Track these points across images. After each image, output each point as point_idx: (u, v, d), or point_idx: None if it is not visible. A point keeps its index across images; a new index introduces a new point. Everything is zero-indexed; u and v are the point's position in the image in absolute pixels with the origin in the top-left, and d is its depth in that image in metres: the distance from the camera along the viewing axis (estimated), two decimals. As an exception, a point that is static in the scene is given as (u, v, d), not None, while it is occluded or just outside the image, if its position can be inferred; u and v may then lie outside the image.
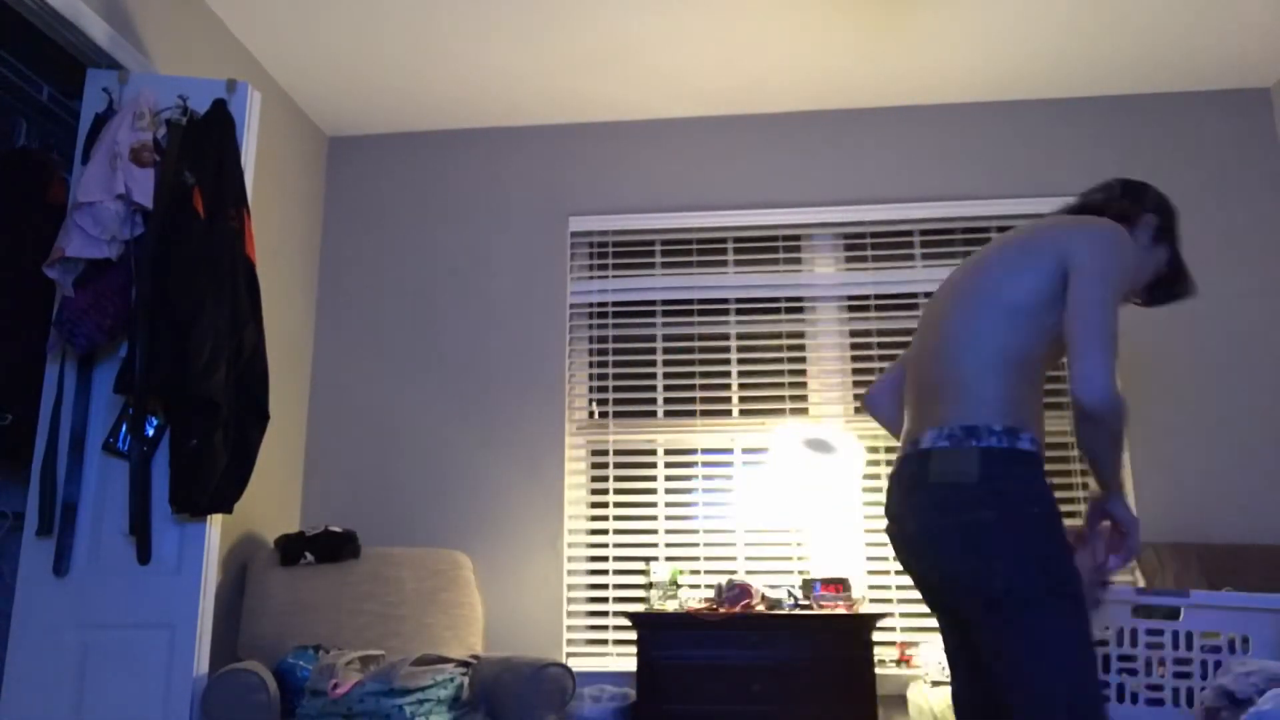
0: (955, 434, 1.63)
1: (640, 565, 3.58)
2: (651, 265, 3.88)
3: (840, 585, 3.12)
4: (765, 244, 3.86)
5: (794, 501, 3.45)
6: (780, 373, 3.73)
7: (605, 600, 3.61)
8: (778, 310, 3.79)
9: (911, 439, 1.75)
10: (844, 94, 3.78)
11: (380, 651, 2.88)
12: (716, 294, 3.82)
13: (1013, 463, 1.60)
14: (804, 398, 3.71)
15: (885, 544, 3.53)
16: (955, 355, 1.71)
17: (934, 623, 3.45)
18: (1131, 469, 3.46)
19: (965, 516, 1.60)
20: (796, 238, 3.85)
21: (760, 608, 3.06)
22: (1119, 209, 1.89)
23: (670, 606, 3.18)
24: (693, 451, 3.71)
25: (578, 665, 3.44)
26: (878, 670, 3.06)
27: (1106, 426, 1.59)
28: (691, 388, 3.76)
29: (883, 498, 3.55)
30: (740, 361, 3.77)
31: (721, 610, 3.00)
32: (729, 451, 3.69)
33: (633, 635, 3.42)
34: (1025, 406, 1.65)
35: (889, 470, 3.58)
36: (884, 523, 3.45)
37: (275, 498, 3.55)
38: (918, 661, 3.28)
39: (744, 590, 3.10)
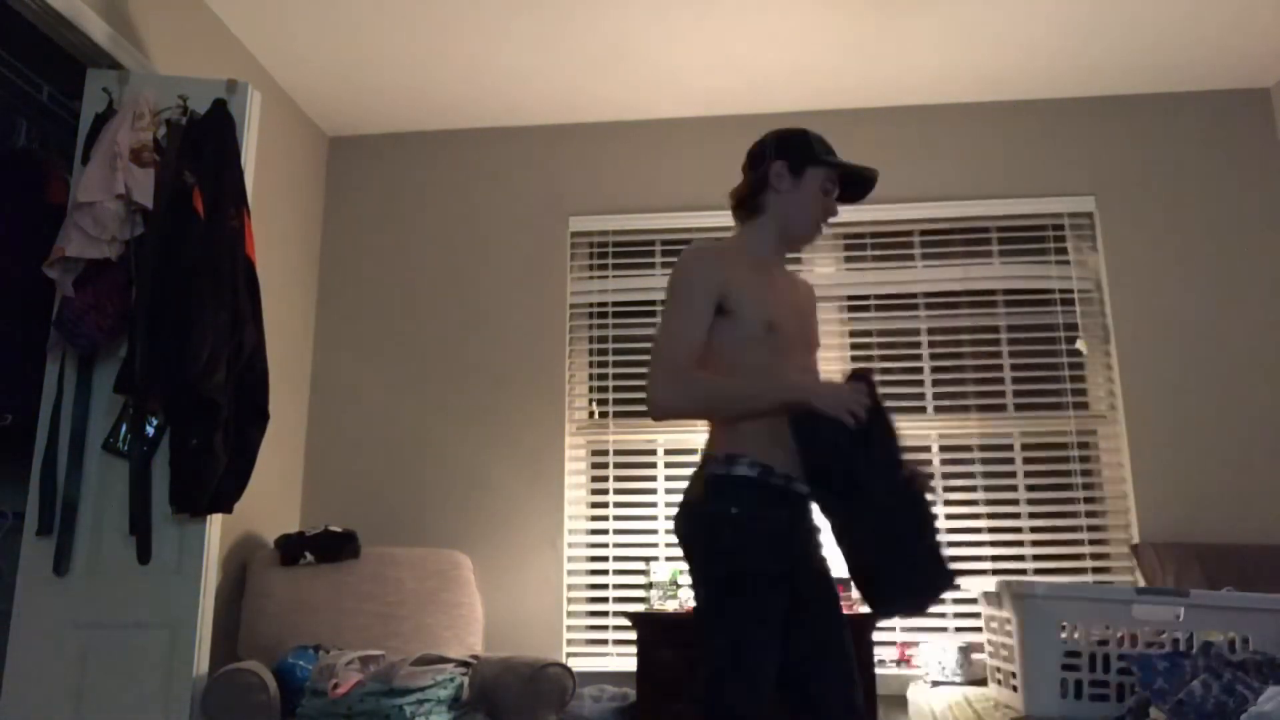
0: (700, 463, 1.97)
1: (640, 565, 3.58)
2: (651, 265, 3.88)
3: (840, 585, 3.11)
4: (765, 244, 3.85)
5: (794, 501, 3.44)
6: (780, 373, 3.73)
7: (605, 600, 3.61)
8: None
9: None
10: (843, 94, 3.78)
11: (380, 651, 2.88)
12: (716, 294, 3.82)
13: (722, 486, 1.89)
14: (804, 398, 3.70)
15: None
16: None
17: (934, 623, 3.45)
18: (1131, 469, 3.46)
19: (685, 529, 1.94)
20: (796, 238, 3.85)
21: (760, 608, 3.05)
22: (747, 187, 2.08)
23: (670, 606, 3.18)
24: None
25: (578, 665, 3.44)
26: (878, 670, 3.06)
27: (696, 408, 1.92)
28: (691, 388, 3.76)
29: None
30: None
31: (721, 610, 3.00)
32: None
33: (633, 635, 3.42)
34: (727, 434, 1.93)
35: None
36: None
37: (275, 498, 3.55)
38: (918, 661, 3.28)
39: (744, 590, 3.09)
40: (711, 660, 1.79)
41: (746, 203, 2.09)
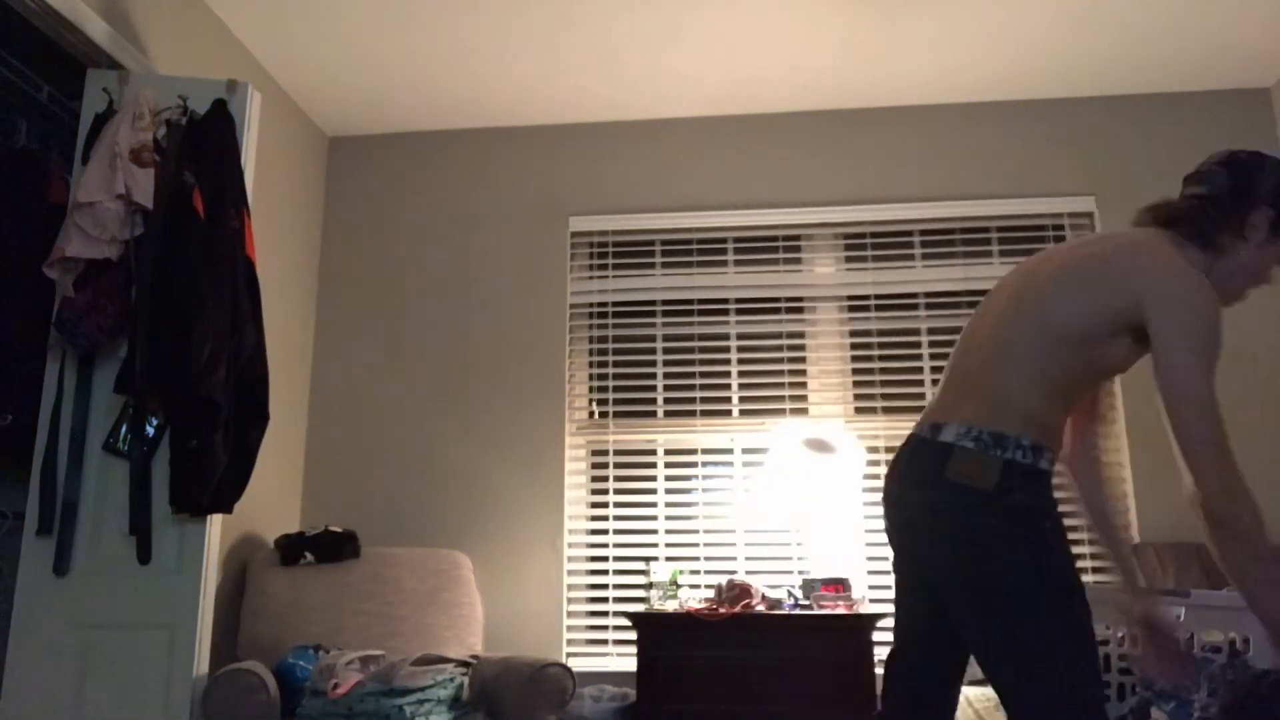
0: (983, 438, 1.61)
1: (640, 565, 3.58)
2: (651, 265, 3.88)
3: (840, 585, 3.12)
4: (765, 244, 3.86)
5: (794, 501, 3.45)
6: (780, 373, 3.73)
7: (605, 600, 3.61)
8: (778, 310, 3.79)
9: (931, 425, 1.70)
10: (843, 94, 3.78)
11: (380, 651, 2.88)
12: (716, 294, 3.82)
13: (1030, 478, 1.60)
14: (804, 398, 3.71)
15: (885, 544, 3.53)
16: (995, 362, 1.67)
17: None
18: (1131, 469, 3.45)
19: (974, 519, 1.59)
20: (796, 238, 3.85)
21: (760, 608, 3.06)
22: (1215, 219, 1.69)
23: (670, 606, 3.18)
24: (693, 451, 3.71)
25: (578, 665, 3.44)
26: (878, 670, 3.06)
27: (1235, 534, 1.51)
28: (691, 388, 3.76)
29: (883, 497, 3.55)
30: (740, 361, 3.76)
31: (721, 610, 3.00)
32: (729, 451, 3.69)
33: (633, 635, 3.42)
34: (1053, 427, 1.64)
35: (878, 469, 3.59)
36: (881, 522, 3.45)
37: (275, 498, 3.55)
38: (918, 661, 3.28)
39: (744, 590, 3.10)
40: (1053, 699, 1.51)
41: (1198, 230, 1.70)
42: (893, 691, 1.80)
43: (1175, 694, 2.04)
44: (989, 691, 2.76)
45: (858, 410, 3.68)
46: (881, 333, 3.73)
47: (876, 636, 2.98)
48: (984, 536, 1.58)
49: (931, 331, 3.72)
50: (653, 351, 3.81)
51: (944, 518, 1.62)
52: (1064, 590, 1.57)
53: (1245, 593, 1.53)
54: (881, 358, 3.71)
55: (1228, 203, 1.69)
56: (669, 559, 3.59)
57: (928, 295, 3.75)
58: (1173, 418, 1.53)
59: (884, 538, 3.51)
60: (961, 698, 2.78)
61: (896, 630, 1.83)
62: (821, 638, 2.93)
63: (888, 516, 1.80)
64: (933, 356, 3.69)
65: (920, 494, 1.67)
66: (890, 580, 3.51)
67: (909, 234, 3.80)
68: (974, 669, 3.09)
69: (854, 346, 3.74)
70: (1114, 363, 1.66)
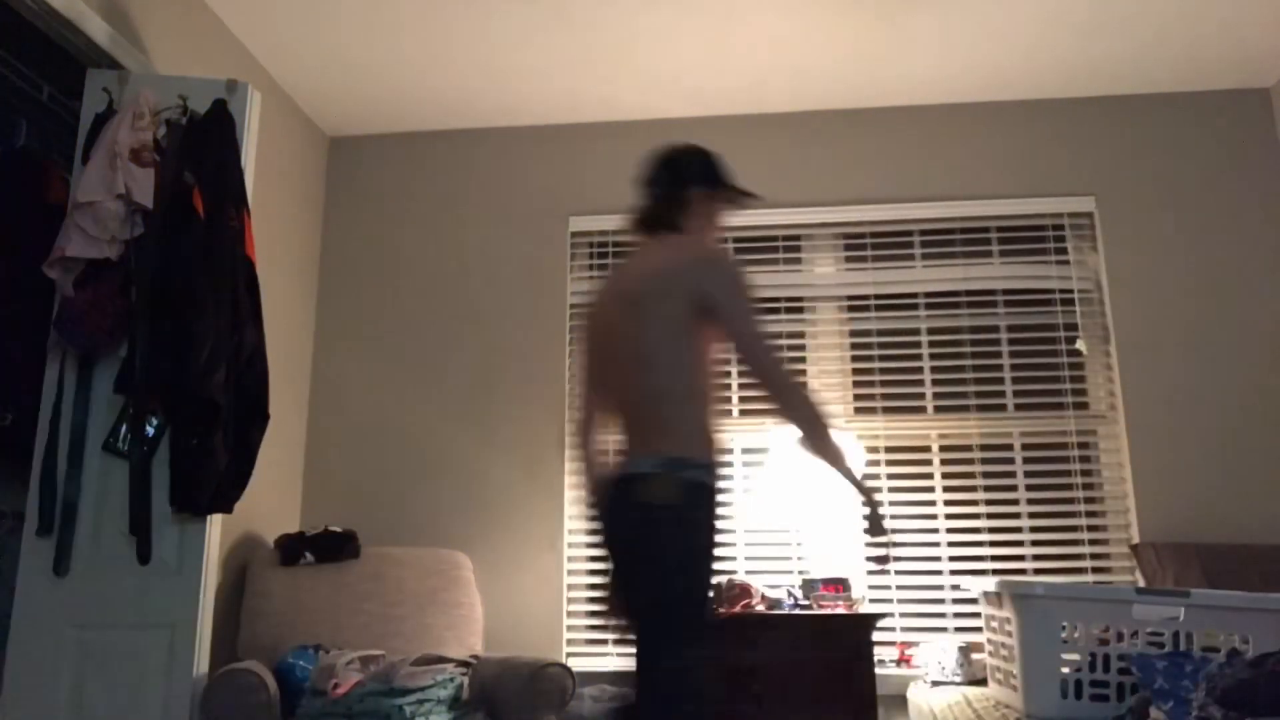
0: (668, 463, 1.94)
1: (640, 565, 3.57)
2: (651, 265, 3.87)
3: (840, 585, 3.12)
4: (765, 244, 3.86)
5: (794, 501, 3.45)
6: (780, 373, 3.73)
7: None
8: (778, 310, 3.79)
9: (624, 464, 2.05)
10: (843, 94, 3.78)
11: (380, 651, 2.88)
12: (716, 294, 3.81)
13: (707, 494, 1.96)
14: (804, 398, 3.70)
15: (885, 544, 3.53)
16: (652, 394, 2.03)
17: (934, 623, 3.45)
18: (1131, 469, 3.46)
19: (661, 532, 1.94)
20: (796, 238, 3.85)
21: (760, 608, 3.06)
22: (674, 210, 2.18)
23: (670, 606, 3.17)
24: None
25: (578, 665, 3.44)
26: (878, 670, 3.06)
27: (821, 436, 2.00)
28: (691, 388, 3.76)
29: (883, 497, 3.55)
30: (740, 361, 3.75)
31: (721, 610, 3.00)
32: (729, 451, 3.69)
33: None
34: (713, 440, 2.01)
35: (888, 470, 3.59)
36: (883, 523, 3.47)
37: (275, 498, 3.55)
38: (918, 661, 3.28)
39: (744, 590, 3.10)
40: (674, 680, 1.87)
41: (670, 221, 2.23)
42: None
43: (1174, 693, 2.04)
44: (988, 691, 2.76)
45: (858, 410, 3.68)
46: (881, 333, 3.73)
47: (877, 636, 2.98)
48: (655, 548, 1.97)
49: (931, 331, 3.72)
50: (653, 351, 3.80)
51: (631, 532, 2.02)
52: (704, 604, 1.95)
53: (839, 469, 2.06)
54: (881, 358, 3.71)
55: (672, 199, 2.20)
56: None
57: (928, 295, 3.75)
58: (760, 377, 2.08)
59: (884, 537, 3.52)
60: (960, 696, 2.78)
61: None
62: (821, 638, 2.93)
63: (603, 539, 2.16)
64: (933, 356, 3.69)
65: (624, 514, 2.04)
66: (890, 579, 3.51)
67: (909, 234, 3.80)
68: (975, 670, 3.09)
69: (854, 346, 3.74)
70: None
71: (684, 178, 2.20)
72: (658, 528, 1.90)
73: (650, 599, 1.91)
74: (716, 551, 1.96)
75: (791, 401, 2.01)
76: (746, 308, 2.01)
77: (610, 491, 2.01)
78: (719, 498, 1.98)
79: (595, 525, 2.08)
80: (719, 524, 1.98)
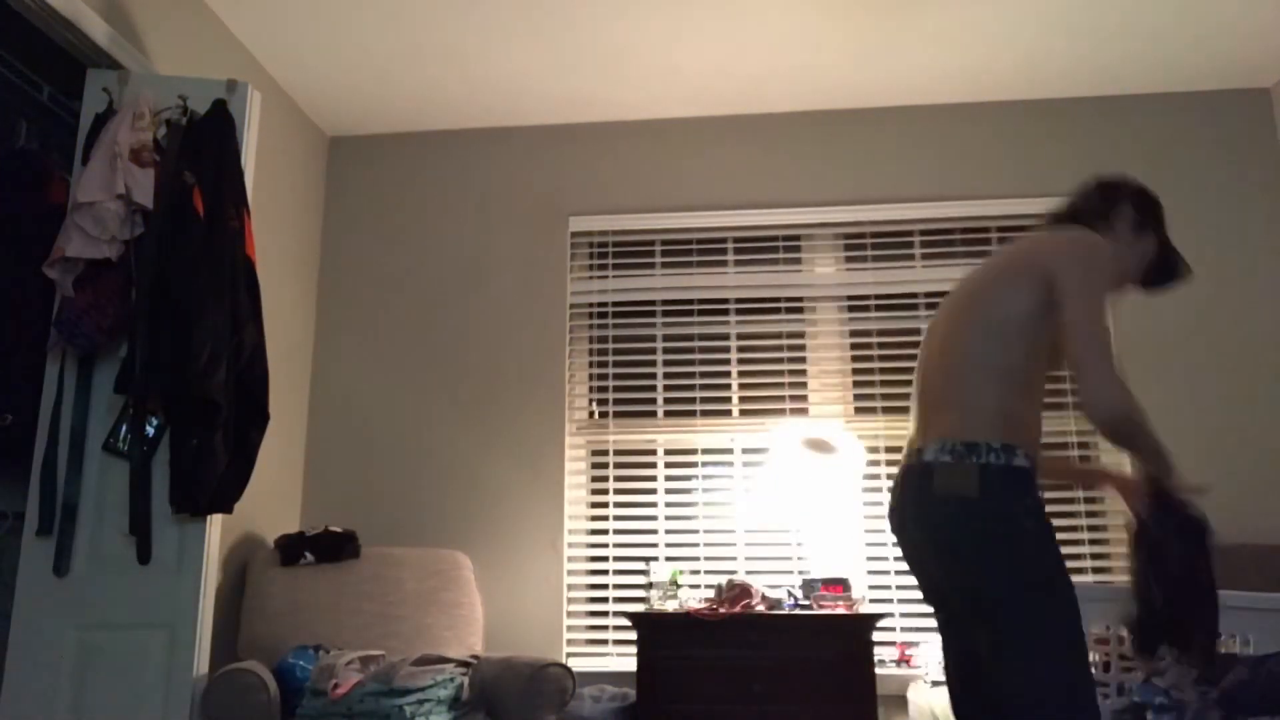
0: (956, 450, 1.72)
1: (640, 565, 3.58)
2: (651, 265, 3.88)
3: (840, 585, 3.12)
4: (765, 244, 3.86)
5: (794, 501, 3.45)
6: (780, 373, 3.73)
7: (605, 600, 3.61)
8: (778, 310, 3.79)
9: (913, 451, 1.84)
10: (844, 94, 3.78)
11: (380, 651, 2.88)
12: (716, 294, 3.82)
13: (1008, 479, 1.69)
14: (804, 398, 3.71)
15: (885, 544, 3.53)
16: (953, 373, 1.81)
17: (934, 623, 3.44)
18: (1131, 469, 3.45)
19: (966, 528, 1.70)
20: (796, 238, 3.85)
21: (760, 608, 3.06)
22: (1094, 212, 1.96)
23: (670, 606, 3.18)
24: (693, 451, 3.71)
25: (578, 665, 3.44)
26: (878, 670, 3.06)
27: (1130, 429, 1.65)
28: (691, 388, 3.76)
29: (883, 497, 3.55)
30: (740, 361, 3.76)
31: (721, 610, 3.00)
32: (729, 451, 3.69)
33: (633, 635, 3.42)
34: (1022, 421, 1.74)
35: (890, 470, 3.59)
36: (884, 522, 3.46)
37: (275, 498, 3.55)
38: (918, 661, 3.28)
39: (744, 590, 3.10)
40: (1042, 694, 1.60)
41: (1081, 220, 1.98)
42: None
43: (1174, 706, 2.04)
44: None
45: (858, 410, 3.67)
46: (881, 333, 3.73)
47: (877, 636, 2.98)
48: (968, 543, 1.70)
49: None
50: (653, 351, 3.81)
51: (937, 530, 1.73)
52: (1046, 589, 1.66)
53: (1150, 460, 1.77)
54: (881, 358, 3.71)
55: (1099, 200, 1.98)
56: (669, 559, 3.59)
57: (928, 295, 3.75)
58: (1075, 349, 1.68)
59: (884, 538, 3.52)
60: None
61: (945, 661, 1.93)
62: (821, 638, 2.93)
63: (901, 547, 1.91)
64: (933, 356, 3.69)
65: (916, 512, 1.78)
66: (889, 580, 3.51)
67: (909, 234, 3.80)
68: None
69: (854, 346, 3.74)
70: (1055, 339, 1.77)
71: (1119, 194, 1.98)
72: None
73: None
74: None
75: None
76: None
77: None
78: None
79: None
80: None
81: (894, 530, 1.91)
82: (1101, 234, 1.90)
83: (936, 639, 3.31)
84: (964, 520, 1.69)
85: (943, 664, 1.92)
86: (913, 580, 3.48)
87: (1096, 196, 1.99)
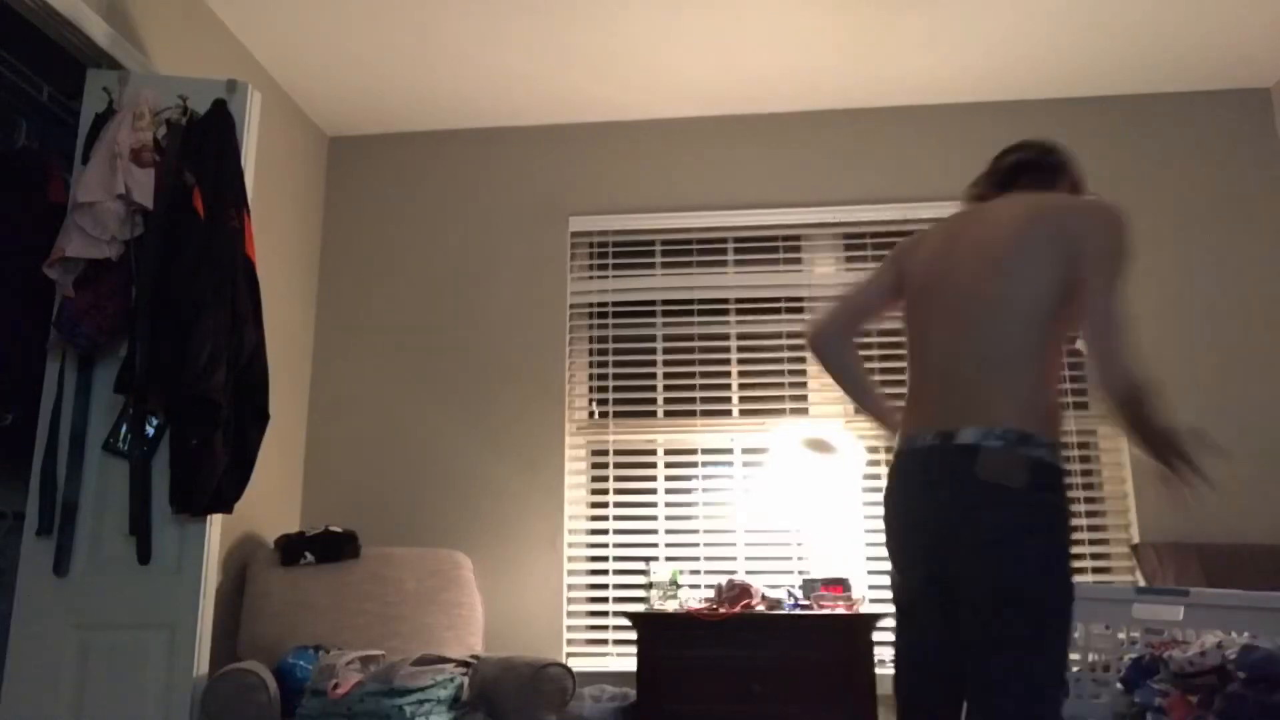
0: (1008, 437, 1.64)
1: (640, 565, 3.58)
2: (651, 265, 3.88)
3: (840, 585, 3.12)
4: (765, 244, 3.86)
5: (794, 501, 3.45)
6: (780, 373, 3.73)
7: (605, 600, 3.61)
8: (778, 310, 3.79)
9: (939, 432, 1.73)
10: (843, 94, 3.78)
11: (380, 651, 2.88)
12: (716, 294, 3.82)
13: (1055, 477, 1.65)
14: (804, 398, 3.71)
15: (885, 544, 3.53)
16: (994, 360, 1.71)
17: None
18: (1131, 469, 3.45)
19: (1011, 515, 1.63)
20: (796, 238, 3.85)
21: (760, 608, 3.06)
22: (1051, 167, 1.95)
23: (670, 606, 3.18)
24: (693, 451, 3.71)
25: (578, 665, 3.44)
26: (878, 670, 3.06)
27: (1153, 411, 1.58)
28: (691, 388, 3.76)
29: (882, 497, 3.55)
30: (740, 361, 3.76)
31: (721, 610, 3.00)
32: (729, 451, 3.68)
33: (633, 635, 3.42)
34: (1059, 416, 1.71)
35: (878, 469, 3.58)
36: (881, 522, 3.45)
37: (275, 498, 3.55)
38: (918, 661, 3.28)
39: (744, 590, 3.10)
40: (1045, 675, 1.61)
41: (1042, 174, 1.97)
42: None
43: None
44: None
45: (858, 410, 3.67)
46: (881, 333, 3.73)
47: (876, 636, 2.98)
48: (1011, 535, 1.62)
49: (931, 331, 3.71)
50: (653, 351, 3.81)
51: (976, 512, 1.65)
52: (1070, 590, 1.64)
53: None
54: (881, 358, 3.71)
55: (1062, 160, 1.97)
56: (669, 559, 3.59)
57: (928, 295, 3.74)
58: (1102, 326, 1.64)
59: (884, 538, 3.51)
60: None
61: (908, 651, 1.83)
62: (821, 638, 2.93)
63: (900, 533, 1.83)
64: (933, 356, 3.69)
65: (950, 493, 1.69)
66: (889, 580, 3.51)
67: (909, 234, 3.79)
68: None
69: (854, 346, 3.73)
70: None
71: (1063, 154, 1.99)
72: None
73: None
74: None
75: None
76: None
77: None
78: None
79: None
80: None
81: (897, 514, 1.83)
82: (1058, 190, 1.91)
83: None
84: (1009, 508, 1.63)
85: (902, 654, 1.84)
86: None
87: (1048, 154, 1.97)
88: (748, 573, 3.53)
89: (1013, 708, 1.58)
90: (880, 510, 3.57)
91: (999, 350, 1.70)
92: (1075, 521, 1.70)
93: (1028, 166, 1.96)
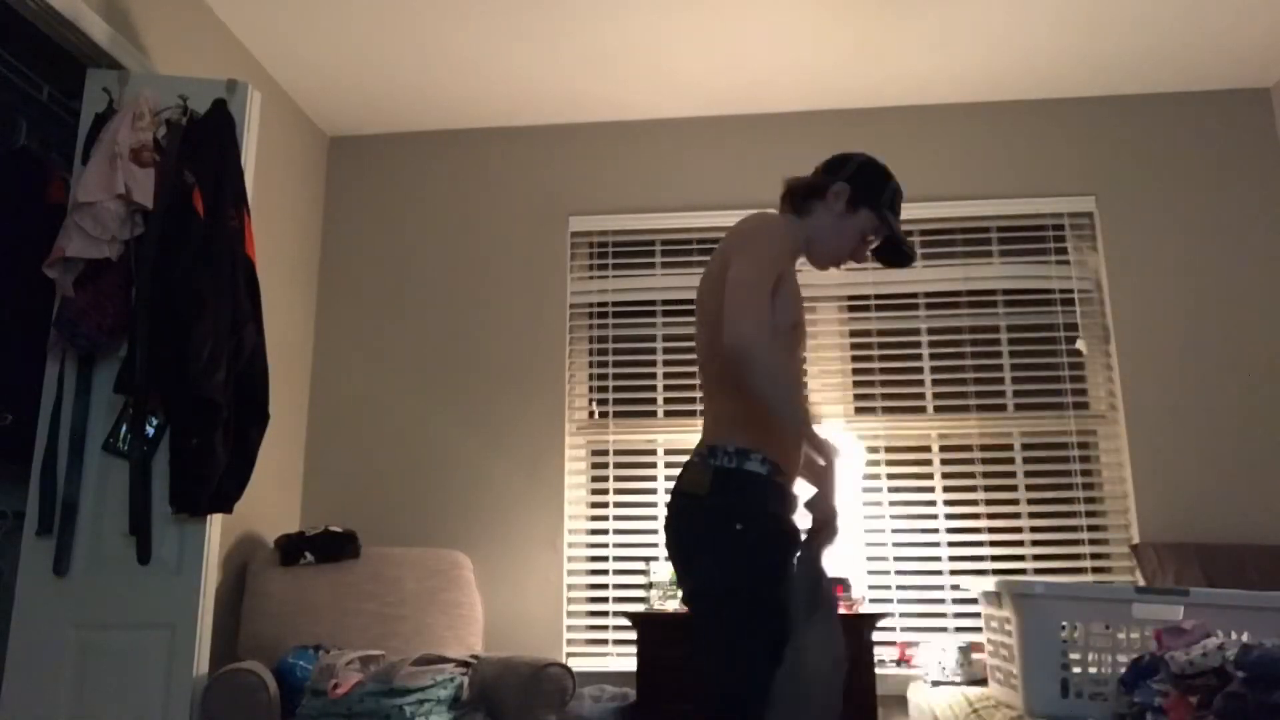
0: (700, 452, 1.87)
1: (640, 565, 3.58)
2: (651, 265, 3.88)
3: (840, 585, 3.12)
4: (765, 244, 3.85)
5: (794, 501, 3.44)
6: (780, 373, 3.73)
7: (605, 600, 3.61)
8: (778, 310, 3.79)
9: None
10: (843, 94, 3.78)
11: (380, 651, 2.88)
12: (716, 294, 3.82)
13: (737, 482, 1.80)
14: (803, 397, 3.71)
15: (885, 544, 3.53)
16: (703, 382, 1.99)
17: (934, 623, 3.45)
18: (1131, 469, 3.46)
19: (683, 524, 1.85)
20: (796, 238, 3.85)
21: (760, 608, 3.05)
22: (806, 188, 2.08)
23: (670, 606, 3.18)
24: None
25: (578, 665, 3.44)
26: (878, 670, 3.06)
27: (750, 364, 1.70)
28: (691, 387, 3.76)
29: (883, 497, 3.55)
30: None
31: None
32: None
33: (633, 635, 3.42)
34: (762, 425, 1.81)
35: (888, 470, 3.59)
36: (884, 522, 3.47)
37: (275, 498, 3.55)
38: (918, 661, 3.28)
39: (744, 590, 3.09)
40: (733, 676, 1.73)
41: (797, 198, 2.08)
42: None
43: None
44: (989, 691, 2.76)
45: (858, 410, 3.67)
46: (881, 333, 3.73)
47: (877, 636, 2.98)
48: (687, 538, 1.84)
49: (931, 331, 3.72)
50: (653, 351, 3.81)
51: (669, 524, 1.89)
52: (746, 595, 1.74)
53: (779, 411, 1.77)
54: (881, 358, 3.71)
55: (818, 175, 2.11)
56: (669, 559, 3.58)
57: (928, 295, 3.75)
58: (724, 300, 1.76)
59: (884, 538, 3.52)
60: (960, 696, 2.78)
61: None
62: (821, 638, 2.92)
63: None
64: (933, 356, 3.69)
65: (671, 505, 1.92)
66: (889, 580, 3.51)
67: (909, 234, 3.80)
68: (975, 670, 3.09)
69: (854, 346, 3.74)
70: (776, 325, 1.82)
71: (839, 173, 2.08)
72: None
73: None
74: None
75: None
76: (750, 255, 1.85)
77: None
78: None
79: None
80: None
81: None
82: (809, 210, 2.04)
83: (937, 639, 3.32)
84: (685, 516, 1.85)
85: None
86: (912, 580, 3.50)
87: (817, 174, 2.11)
88: (748, 573, 3.52)
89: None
90: (879, 510, 3.58)
91: (704, 366, 2.01)
92: (760, 524, 1.81)
93: (785, 192, 2.15)
